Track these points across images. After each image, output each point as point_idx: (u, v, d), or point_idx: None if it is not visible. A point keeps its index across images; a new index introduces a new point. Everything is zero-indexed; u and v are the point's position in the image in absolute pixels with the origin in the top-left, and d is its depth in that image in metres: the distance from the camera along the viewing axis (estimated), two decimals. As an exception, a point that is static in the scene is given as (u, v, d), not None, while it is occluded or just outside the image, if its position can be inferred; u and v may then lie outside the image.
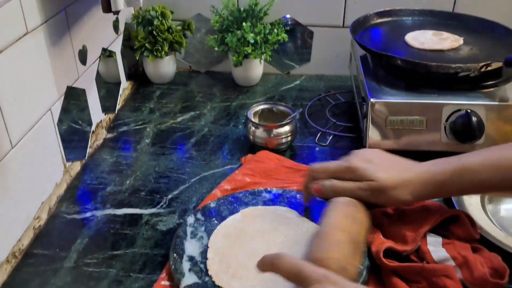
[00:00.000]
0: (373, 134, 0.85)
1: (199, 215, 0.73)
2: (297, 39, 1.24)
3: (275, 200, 0.77)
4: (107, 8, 0.80)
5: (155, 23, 1.13)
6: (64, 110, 0.85)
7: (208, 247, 0.68)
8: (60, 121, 0.83)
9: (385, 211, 0.72)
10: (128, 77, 1.18)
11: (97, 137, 0.98)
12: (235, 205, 0.75)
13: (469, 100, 0.83)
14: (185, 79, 1.24)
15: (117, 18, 1.10)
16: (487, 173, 0.62)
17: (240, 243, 0.68)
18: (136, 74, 1.23)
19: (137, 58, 1.16)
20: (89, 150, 0.94)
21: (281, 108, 0.96)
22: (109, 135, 1.00)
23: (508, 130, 0.83)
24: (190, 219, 0.72)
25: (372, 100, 0.84)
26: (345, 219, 0.62)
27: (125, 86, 1.16)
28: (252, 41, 1.11)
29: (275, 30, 1.14)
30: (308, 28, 1.22)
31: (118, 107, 1.09)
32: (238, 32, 1.12)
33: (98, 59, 1.00)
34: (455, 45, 0.94)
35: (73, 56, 0.89)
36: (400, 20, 1.07)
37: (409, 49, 0.94)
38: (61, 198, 0.82)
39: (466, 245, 0.65)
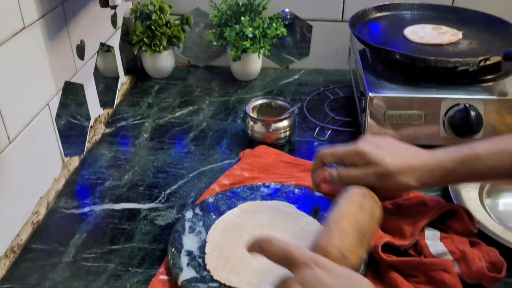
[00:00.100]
0: (371, 128, 0.85)
1: (197, 210, 0.73)
2: (296, 33, 1.23)
3: (274, 194, 0.77)
4: (104, 2, 0.80)
5: (153, 17, 1.12)
6: (62, 105, 0.84)
7: (206, 241, 0.68)
8: (58, 116, 0.83)
9: (383, 206, 0.72)
10: (127, 72, 1.17)
11: (96, 132, 0.97)
12: (234, 200, 0.75)
13: (468, 95, 0.83)
14: (184, 74, 1.24)
15: (115, 13, 1.09)
16: (495, 160, 0.62)
17: (238, 238, 0.68)
18: (135, 68, 1.23)
19: (136, 52, 1.15)
20: (87, 145, 0.93)
21: (280, 102, 0.96)
22: (108, 130, 1.00)
23: (506, 124, 0.83)
24: (189, 214, 0.72)
25: (370, 94, 0.84)
26: (353, 208, 0.62)
27: (124, 81, 1.16)
28: (250, 35, 1.11)
29: (274, 25, 1.14)
30: (307, 22, 1.21)
31: (116, 102, 1.09)
32: (237, 26, 1.12)
33: (96, 54, 1.00)
34: (454, 39, 0.93)
35: (70, 51, 0.88)
36: (399, 14, 1.07)
37: (408, 43, 0.94)
38: (59, 193, 0.82)
39: (464, 239, 0.65)
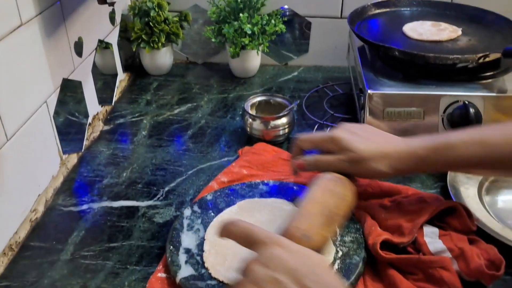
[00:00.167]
0: (370, 124, 0.85)
1: (195, 208, 0.73)
2: (295, 30, 1.23)
3: (272, 192, 0.77)
4: (102, -1, 0.80)
5: (151, 14, 1.12)
6: (60, 102, 0.84)
7: (204, 239, 0.68)
8: (57, 113, 0.83)
9: (382, 203, 0.72)
10: (125, 69, 1.17)
11: (94, 129, 0.97)
12: (232, 197, 0.75)
13: (467, 92, 0.83)
14: (182, 71, 1.23)
15: (113, 10, 1.09)
16: (469, 149, 0.63)
17: (236, 235, 0.68)
18: (133, 65, 1.23)
19: (134, 49, 1.15)
20: (85, 143, 0.93)
21: (279, 99, 0.95)
22: (106, 127, 1.00)
23: (506, 121, 0.83)
24: (187, 212, 0.72)
25: (369, 91, 0.84)
26: (322, 192, 0.64)
27: (122, 78, 1.15)
28: (249, 32, 1.10)
29: (273, 21, 1.14)
30: (306, 19, 1.21)
31: (114, 99, 1.09)
32: (235, 23, 1.11)
33: (94, 51, 1.00)
34: (453, 36, 0.93)
35: (68, 48, 0.88)
36: (398, 11, 1.07)
37: (407, 40, 0.94)
38: (57, 191, 0.82)
39: (462, 237, 0.65)
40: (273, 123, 0.90)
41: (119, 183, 0.83)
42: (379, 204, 0.71)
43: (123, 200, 0.80)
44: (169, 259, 0.64)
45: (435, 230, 0.66)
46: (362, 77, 0.89)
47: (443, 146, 0.64)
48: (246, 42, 1.11)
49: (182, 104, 1.08)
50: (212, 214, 0.72)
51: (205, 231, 0.69)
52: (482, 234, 0.66)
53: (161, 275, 0.64)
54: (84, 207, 0.78)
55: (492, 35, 0.94)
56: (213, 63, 1.27)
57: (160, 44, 1.14)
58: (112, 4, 0.81)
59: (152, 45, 1.13)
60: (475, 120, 0.81)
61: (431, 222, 0.67)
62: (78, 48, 0.92)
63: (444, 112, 0.83)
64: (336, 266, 0.62)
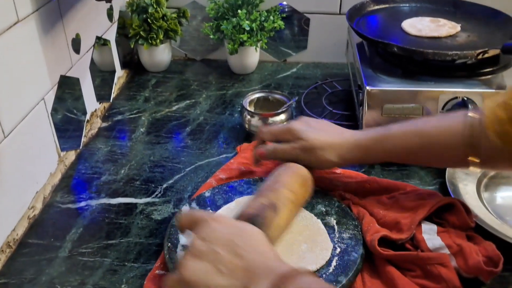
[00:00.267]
0: (369, 122, 0.85)
1: (194, 204, 0.73)
2: (294, 26, 1.23)
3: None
4: (100, -5, 0.79)
5: (149, 10, 1.12)
6: (58, 99, 0.84)
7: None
8: (54, 110, 0.83)
9: (380, 200, 0.72)
10: (123, 66, 1.17)
11: (92, 126, 0.97)
12: (230, 194, 0.75)
13: (466, 88, 0.83)
14: (181, 67, 1.23)
15: (111, 6, 1.08)
16: (406, 139, 0.67)
17: (234, 232, 0.68)
18: (131, 62, 1.22)
19: (132, 46, 1.15)
20: (83, 140, 0.93)
21: (277, 96, 0.95)
22: (104, 124, 1.00)
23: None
24: (185, 209, 0.72)
25: (368, 88, 0.83)
26: (265, 181, 0.68)
27: (120, 75, 1.15)
28: (247, 28, 1.10)
29: (271, 17, 1.13)
30: (305, 15, 1.20)
31: (113, 96, 1.09)
32: (234, 19, 1.11)
33: (92, 48, 0.99)
34: (452, 32, 0.93)
35: (66, 44, 0.88)
36: (397, 7, 1.06)
37: (406, 36, 0.93)
38: (55, 188, 0.82)
39: (461, 233, 0.65)
40: (272, 119, 0.90)
41: (117, 180, 0.83)
42: (377, 201, 0.71)
43: (121, 197, 0.79)
44: (167, 256, 0.64)
45: (434, 226, 0.66)
46: (360, 73, 0.88)
47: (383, 137, 0.69)
48: (245, 38, 1.10)
49: (180, 101, 1.08)
50: (210, 211, 0.72)
51: (203, 228, 0.69)
52: (481, 231, 0.66)
53: (159, 272, 0.64)
54: (82, 204, 0.78)
55: (491, 31, 0.93)
56: (212, 59, 1.27)
57: (158, 40, 1.13)
58: (109, 0, 0.80)
59: (150, 41, 1.13)
60: (474, 116, 0.80)
61: (429, 218, 0.67)
62: (76, 45, 0.91)
63: (443, 108, 0.83)
64: (334, 263, 0.62)
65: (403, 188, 0.74)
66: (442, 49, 0.85)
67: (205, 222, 0.54)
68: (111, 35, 1.09)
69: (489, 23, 0.97)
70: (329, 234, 0.67)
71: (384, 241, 0.63)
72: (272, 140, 0.77)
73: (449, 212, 0.67)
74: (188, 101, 1.07)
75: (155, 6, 1.12)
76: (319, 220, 0.69)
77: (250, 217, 0.60)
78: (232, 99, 1.08)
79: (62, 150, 0.86)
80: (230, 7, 1.14)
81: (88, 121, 0.96)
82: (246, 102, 0.93)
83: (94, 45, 1.00)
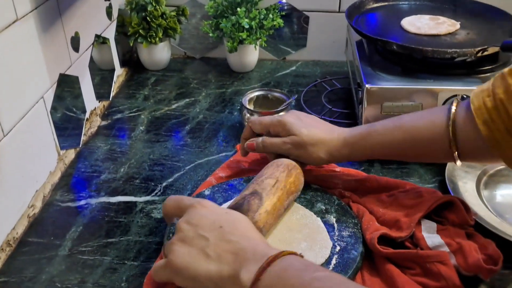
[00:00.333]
0: (368, 120, 0.85)
1: (193, 203, 0.73)
2: (293, 24, 1.22)
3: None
4: (98, -7, 0.79)
5: (148, 9, 1.12)
6: (58, 97, 0.84)
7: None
8: (54, 109, 0.83)
9: (379, 198, 0.72)
10: (122, 64, 1.17)
11: (91, 125, 0.97)
12: (230, 192, 0.75)
13: (465, 86, 0.83)
14: (180, 66, 1.23)
15: (110, 4, 1.08)
16: (389, 135, 0.68)
17: (234, 231, 0.68)
18: (131, 60, 1.22)
19: (131, 44, 1.14)
20: (83, 138, 0.93)
21: (276, 94, 0.95)
22: (104, 123, 1.00)
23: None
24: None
25: (367, 85, 0.83)
26: (261, 172, 0.69)
27: (119, 73, 1.15)
28: (247, 26, 1.10)
29: (270, 15, 1.13)
30: (304, 13, 1.20)
31: (112, 94, 1.09)
32: (233, 17, 1.11)
33: (91, 46, 0.99)
34: (452, 29, 0.93)
35: (65, 43, 0.88)
36: (396, 5, 1.06)
37: (405, 34, 0.93)
38: (55, 186, 0.82)
39: (460, 231, 0.65)
40: (271, 118, 0.90)
41: (117, 179, 0.83)
42: (377, 199, 0.71)
43: (121, 196, 0.79)
44: (167, 254, 0.64)
45: (433, 224, 0.66)
46: (360, 71, 0.88)
47: (367, 133, 0.69)
48: (244, 36, 1.10)
49: (180, 99, 1.08)
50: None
51: (203, 226, 0.69)
52: (480, 229, 0.66)
53: (159, 270, 0.64)
54: (82, 202, 0.78)
55: (491, 29, 0.93)
56: (211, 58, 1.27)
57: (157, 39, 1.13)
58: (108, -2, 0.80)
59: (149, 40, 1.13)
60: (473, 114, 0.80)
61: (429, 216, 0.67)
62: (75, 43, 0.91)
63: (442, 106, 0.83)
64: (334, 261, 0.62)
65: (402, 186, 0.74)
66: (442, 47, 0.85)
67: (192, 208, 0.55)
68: (110, 33, 1.09)
69: (488, 20, 0.97)
70: (328, 232, 0.67)
71: (384, 239, 0.63)
72: (262, 132, 0.77)
73: (449, 210, 0.67)
74: (187, 100, 1.07)
75: (154, 4, 1.12)
76: (318, 218, 0.69)
77: (235, 207, 0.61)
78: (232, 97, 1.08)
79: (61, 148, 0.86)
80: (229, 5, 1.14)
81: (87, 119, 0.96)
82: (245, 100, 0.93)
83: (93, 44, 1.00)
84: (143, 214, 0.75)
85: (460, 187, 0.75)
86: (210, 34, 1.16)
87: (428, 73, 0.86)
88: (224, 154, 0.89)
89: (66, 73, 0.87)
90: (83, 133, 0.93)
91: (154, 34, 1.13)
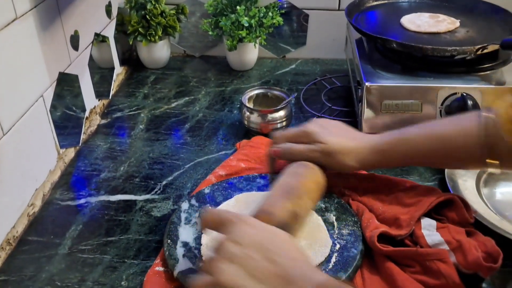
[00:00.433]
0: (368, 118, 0.85)
1: (193, 201, 0.73)
2: (293, 22, 1.22)
3: (270, 186, 0.77)
4: (98, -8, 0.79)
5: (148, 7, 1.11)
6: (57, 96, 0.84)
7: (202, 233, 0.68)
8: (53, 107, 0.83)
9: (379, 196, 0.72)
10: (122, 62, 1.17)
11: (91, 123, 0.97)
12: (230, 190, 0.75)
13: (465, 84, 0.83)
14: (180, 64, 1.23)
15: (109, 3, 1.08)
16: (422, 142, 0.67)
17: (234, 229, 0.68)
18: (130, 59, 1.22)
19: (131, 43, 1.14)
20: (83, 137, 0.93)
21: (276, 92, 0.95)
22: (103, 121, 0.99)
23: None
24: (185, 205, 0.72)
25: (367, 84, 0.83)
26: (285, 176, 0.68)
27: (119, 72, 1.15)
28: (246, 24, 1.10)
29: (270, 14, 1.13)
30: (304, 11, 1.20)
31: (112, 92, 1.09)
32: (232, 15, 1.11)
33: (91, 44, 0.99)
34: (452, 27, 0.93)
35: (64, 41, 0.87)
36: (396, 3, 1.06)
37: (405, 32, 0.93)
38: (55, 185, 0.82)
39: (460, 229, 0.64)
40: (271, 116, 0.90)
41: (117, 177, 0.83)
42: (376, 197, 0.71)
43: (121, 194, 0.79)
44: (167, 253, 0.64)
45: (433, 222, 0.66)
46: (359, 69, 0.88)
47: (399, 140, 0.69)
48: (244, 35, 1.10)
49: (179, 97, 1.08)
50: (210, 207, 0.72)
51: (203, 224, 0.69)
52: (480, 227, 0.66)
53: (159, 268, 0.64)
54: (82, 201, 0.78)
55: (491, 27, 0.93)
56: (211, 56, 1.27)
57: (157, 37, 1.13)
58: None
59: (149, 38, 1.13)
60: (473, 112, 0.80)
61: (428, 214, 0.67)
62: (74, 41, 0.91)
63: (442, 104, 0.83)
64: (333, 259, 0.62)
65: (402, 184, 0.74)
66: (441, 45, 0.85)
67: (234, 224, 0.53)
68: (109, 32, 1.09)
69: (488, 18, 0.96)
70: (328, 230, 0.67)
71: (384, 237, 0.64)
72: None
73: (449, 208, 0.67)
74: (187, 98, 1.07)
75: (153, 3, 1.12)
76: (318, 217, 0.69)
77: (280, 224, 0.58)
78: (231, 96, 1.08)
79: (61, 147, 0.86)
80: (228, 3, 1.14)
81: (87, 118, 0.96)
82: (245, 98, 0.93)
83: (92, 42, 1.00)
84: (143, 213, 0.75)
85: (460, 185, 0.75)
86: (210, 33, 1.16)
87: (428, 71, 0.86)
88: (223, 152, 0.89)
89: (66, 71, 0.87)
90: (82, 132, 0.93)
91: (153, 33, 1.13)
